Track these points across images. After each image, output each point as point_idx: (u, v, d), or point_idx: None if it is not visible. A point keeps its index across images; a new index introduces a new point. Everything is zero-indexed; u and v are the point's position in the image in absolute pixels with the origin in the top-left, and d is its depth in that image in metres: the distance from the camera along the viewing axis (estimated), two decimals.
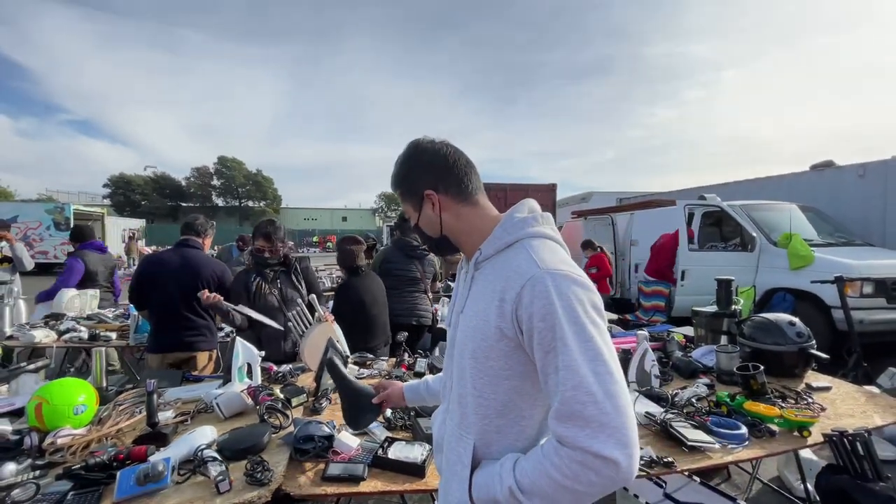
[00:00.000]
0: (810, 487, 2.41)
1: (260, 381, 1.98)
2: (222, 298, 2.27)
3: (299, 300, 2.55)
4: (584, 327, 0.75)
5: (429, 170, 0.96)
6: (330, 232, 46.09)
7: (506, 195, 8.85)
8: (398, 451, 1.41)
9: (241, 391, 1.77)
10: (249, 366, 1.98)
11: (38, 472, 1.33)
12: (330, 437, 1.45)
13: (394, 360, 2.48)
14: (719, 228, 7.00)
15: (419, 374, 2.28)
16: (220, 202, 54.75)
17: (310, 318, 2.37)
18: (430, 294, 3.53)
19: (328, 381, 1.93)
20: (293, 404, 1.75)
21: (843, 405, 1.96)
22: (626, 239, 8.06)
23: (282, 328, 2.40)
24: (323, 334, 2.29)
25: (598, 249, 7.09)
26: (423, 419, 1.60)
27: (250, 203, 56.16)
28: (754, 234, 6.14)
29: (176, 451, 1.34)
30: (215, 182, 54.13)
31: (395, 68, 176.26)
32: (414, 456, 1.38)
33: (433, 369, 2.29)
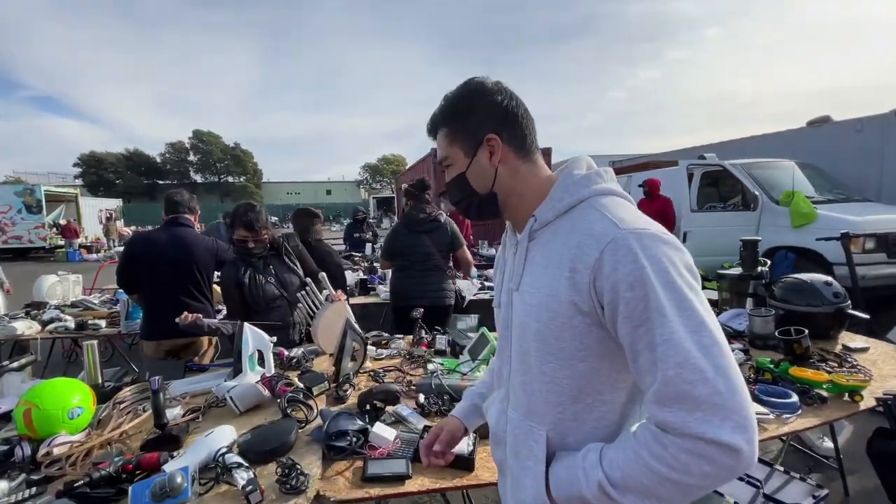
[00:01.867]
0: (832, 444, 2.40)
1: (273, 370, 1.82)
2: (201, 316, 1.96)
3: (299, 281, 2.35)
4: (682, 293, 0.63)
5: (495, 112, 0.82)
6: (315, 206, 44.88)
7: None
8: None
9: (256, 382, 1.61)
10: (260, 353, 1.81)
11: (34, 490, 1.16)
12: (364, 431, 1.31)
13: (410, 338, 2.33)
14: (717, 188, 6.91)
15: (440, 352, 2.15)
16: (198, 178, 52.93)
17: (320, 298, 2.19)
18: (451, 269, 3.18)
19: (349, 364, 1.78)
20: (314, 393, 1.60)
21: (885, 366, 1.89)
22: None
23: (280, 323, 2.18)
24: (337, 314, 2.12)
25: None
26: None
27: (230, 178, 54.48)
28: (756, 193, 6.06)
29: (193, 456, 1.18)
30: (192, 157, 52.17)
31: (371, 31, 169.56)
32: (460, 448, 1.25)
33: (455, 346, 2.16)
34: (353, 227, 7.49)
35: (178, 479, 1.06)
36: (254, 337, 1.77)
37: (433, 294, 2.97)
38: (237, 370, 1.73)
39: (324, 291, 2.22)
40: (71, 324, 3.03)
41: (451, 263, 3.20)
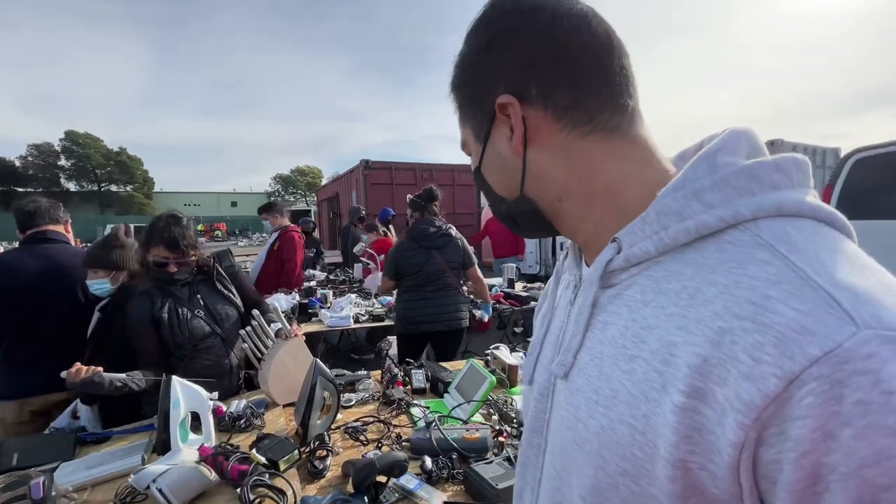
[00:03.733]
0: None
1: (214, 438, 1.37)
2: (101, 370, 1.44)
3: (237, 314, 1.88)
4: None
5: (523, 49, 0.43)
6: (218, 219, 41.48)
7: (431, 175, 8.44)
8: None
9: (197, 461, 1.17)
10: (196, 415, 1.35)
11: None
12: None
13: (379, 373, 1.98)
14: None
15: (418, 391, 1.84)
16: (72, 186, 45.62)
17: (270, 334, 1.75)
18: (465, 288, 2.84)
19: (317, 421, 1.40)
20: (281, 469, 1.20)
21: None
22: None
23: (213, 379, 1.62)
24: (294, 355, 1.71)
25: (384, 233, 4.97)
26: (481, 465, 1.18)
27: (113, 187, 47.80)
28: None
29: None
30: (63, 162, 44.86)
31: (284, 36, 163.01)
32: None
33: (437, 382, 1.86)
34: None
35: None
36: (186, 395, 1.32)
37: (449, 316, 2.65)
38: (162, 443, 1.26)
39: (273, 325, 1.79)
40: None
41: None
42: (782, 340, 0.28)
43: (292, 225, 4.21)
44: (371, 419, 1.54)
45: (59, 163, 44.55)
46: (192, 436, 1.34)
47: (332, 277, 5.13)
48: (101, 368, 1.44)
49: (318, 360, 1.48)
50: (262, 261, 3.99)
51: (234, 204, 56.14)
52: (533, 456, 0.51)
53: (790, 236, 0.33)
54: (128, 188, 48.30)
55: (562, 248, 0.62)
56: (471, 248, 2.82)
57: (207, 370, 1.71)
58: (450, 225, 2.80)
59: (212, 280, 1.84)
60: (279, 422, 1.57)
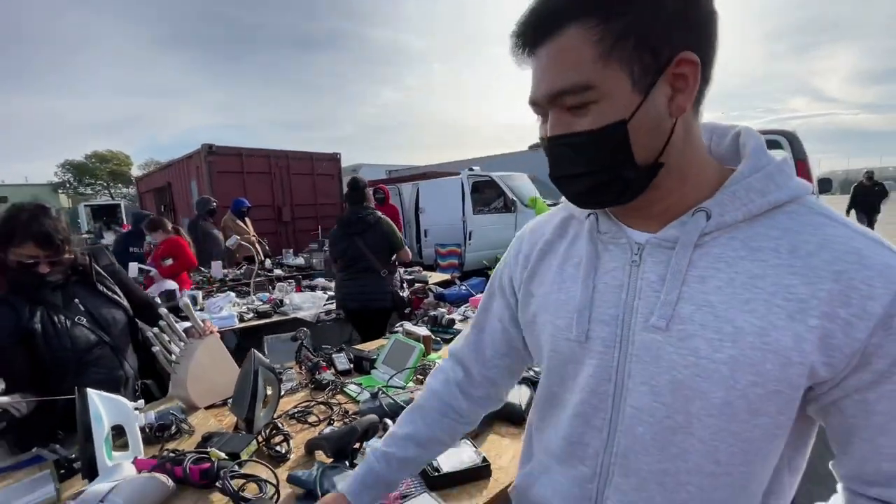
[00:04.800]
0: None
1: (142, 450, 1.23)
2: None
3: (126, 317, 1.64)
4: None
5: (710, 18, 0.47)
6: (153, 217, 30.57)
7: (288, 163, 7.94)
8: (450, 462, 1.16)
9: (146, 470, 1.07)
10: (120, 429, 1.20)
11: None
12: None
13: (295, 363, 1.95)
14: (481, 195, 8.34)
15: (344, 373, 1.90)
16: None
17: (180, 334, 1.59)
18: (392, 270, 3.09)
19: (260, 413, 1.38)
20: (242, 458, 1.18)
21: None
22: (410, 207, 8.61)
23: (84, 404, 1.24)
24: (212, 353, 1.60)
25: (174, 231, 4.21)
26: None
27: None
28: (514, 198, 7.63)
29: None
30: None
31: None
32: (470, 458, 1.17)
33: (361, 361, 1.94)
34: (129, 240, 4.92)
35: None
36: (107, 407, 1.16)
37: (365, 297, 2.98)
38: (88, 464, 1.09)
39: (181, 324, 1.62)
40: None
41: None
42: (882, 273, 0.44)
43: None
44: (312, 402, 1.57)
45: None
46: (116, 453, 1.19)
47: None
48: None
49: (255, 350, 1.44)
50: None
51: (2, 199, 42.79)
52: (598, 402, 0.58)
53: (824, 207, 0.50)
54: None
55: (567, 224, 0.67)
56: (400, 234, 3.17)
57: (100, 385, 1.46)
58: (375, 213, 3.02)
59: (90, 281, 1.57)
60: (209, 423, 1.47)
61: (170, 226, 4.16)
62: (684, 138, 0.50)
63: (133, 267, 3.49)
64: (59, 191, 42.63)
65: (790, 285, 0.47)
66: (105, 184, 44.74)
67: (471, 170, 8.01)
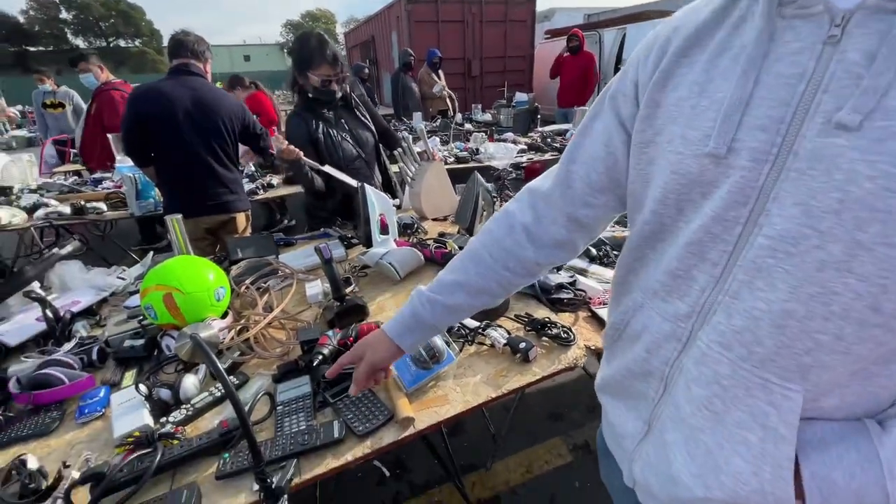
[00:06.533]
0: None
1: (398, 235, 1.62)
2: (302, 154, 1.71)
3: (373, 139, 2.00)
4: None
5: None
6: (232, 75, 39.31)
7: (481, 9, 7.57)
8: None
9: (406, 246, 1.42)
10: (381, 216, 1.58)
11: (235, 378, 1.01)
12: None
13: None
14: None
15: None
16: (80, 42, 43.32)
17: (416, 156, 1.90)
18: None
19: (479, 222, 1.62)
20: None
21: None
22: (610, 60, 7.50)
23: (356, 184, 1.78)
24: (439, 176, 1.88)
25: (253, 87, 4.32)
26: None
27: (121, 42, 45.11)
28: None
29: None
30: (65, 15, 41.83)
31: None
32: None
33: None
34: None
35: (440, 344, 0.94)
36: (377, 199, 1.53)
37: None
38: (366, 237, 1.51)
39: (416, 148, 1.92)
40: (65, 209, 2.52)
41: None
42: None
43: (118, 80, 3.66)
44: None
45: (60, 16, 41.60)
46: (381, 235, 1.59)
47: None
48: (301, 153, 1.70)
49: (477, 171, 1.63)
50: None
51: (247, 58, 52.51)
52: (722, 231, 0.46)
53: None
54: (136, 42, 45.55)
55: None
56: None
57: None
58: None
59: (350, 107, 1.93)
60: (436, 230, 1.81)
61: (248, 82, 4.28)
62: None
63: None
64: (284, 49, 49.93)
65: None
66: None
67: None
